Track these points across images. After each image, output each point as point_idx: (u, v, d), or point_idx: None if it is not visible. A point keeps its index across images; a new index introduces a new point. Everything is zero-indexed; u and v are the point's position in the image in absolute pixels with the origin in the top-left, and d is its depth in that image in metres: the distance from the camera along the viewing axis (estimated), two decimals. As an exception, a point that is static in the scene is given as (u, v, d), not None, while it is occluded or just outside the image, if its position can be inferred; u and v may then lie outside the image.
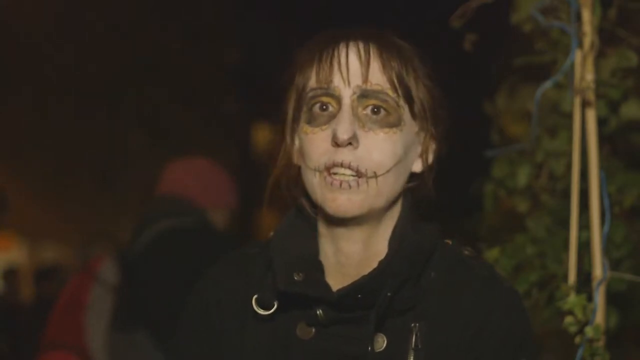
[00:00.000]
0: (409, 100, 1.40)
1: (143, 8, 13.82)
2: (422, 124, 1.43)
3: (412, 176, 1.44)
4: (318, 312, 1.38)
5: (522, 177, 2.30)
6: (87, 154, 13.64)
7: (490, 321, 1.38)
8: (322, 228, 1.44)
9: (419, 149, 1.44)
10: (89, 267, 3.06)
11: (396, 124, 1.38)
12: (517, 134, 2.56)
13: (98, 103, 13.63)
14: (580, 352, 1.76)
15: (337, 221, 1.39)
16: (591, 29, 1.89)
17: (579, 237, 1.85)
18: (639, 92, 2.19)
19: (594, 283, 1.83)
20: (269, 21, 15.84)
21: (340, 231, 1.41)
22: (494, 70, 2.57)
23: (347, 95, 1.37)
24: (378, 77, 1.37)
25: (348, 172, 1.35)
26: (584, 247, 1.93)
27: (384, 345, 1.37)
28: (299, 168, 1.43)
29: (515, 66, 2.36)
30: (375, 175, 1.36)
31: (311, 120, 1.39)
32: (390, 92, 1.38)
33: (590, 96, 1.86)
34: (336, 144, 1.35)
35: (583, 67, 1.88)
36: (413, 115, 1.41)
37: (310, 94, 1.39)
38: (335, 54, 1.38)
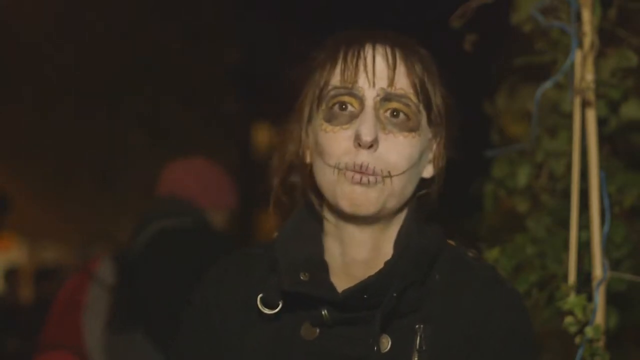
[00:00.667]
0: (428, 106, 1.41)
1: (143, 8, 13.81)
2: (437, 130, 1.44)
3: (421, 181, 1.45)
4: (323, 313, 1.38)
5: (522, 177, 2.30)
6: (87, 154, 13.62)
7: (491, 321, 1.38)
8: (330, 228, 1.44)
9: (430, 155, 1.45)
10: (87, 267, 3.05)
11: (415, 128, 1.39)
12: (517, 134, 2.56)
13: (98, 103, 13.62)
14: (580, 352, 1.76)
15: (349, 219, 1.40)
16: (591, 29, 1.89)
17: (579, 237, 1.85)
18: (639, 92, 2.18)
19: (594, 283, 1.83)
20: (269, 21, 15.86)
21: (350, 231, 1.41)
22: (494, 70, 2.57)
23: (370, 96, 1.38)
24: (403, 82, 1.39)
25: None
26: (584, 247, 1.92)
27: (389, 346, 1.37)
28: (311, 165, 1.43)
29: (515, 66, 2.36)
30: (390, 175, 1.37)
31: (331, 119, 1.39)
32: (412, 97, 1.39)
33: (590, 96, 1.86)
34: (359, 144, 1.36)
35: (583, 67, 1.87)
36: (429, 121, 1.42)
37: (332, 92, 1.39)
38: (362, 54, 1.39)
